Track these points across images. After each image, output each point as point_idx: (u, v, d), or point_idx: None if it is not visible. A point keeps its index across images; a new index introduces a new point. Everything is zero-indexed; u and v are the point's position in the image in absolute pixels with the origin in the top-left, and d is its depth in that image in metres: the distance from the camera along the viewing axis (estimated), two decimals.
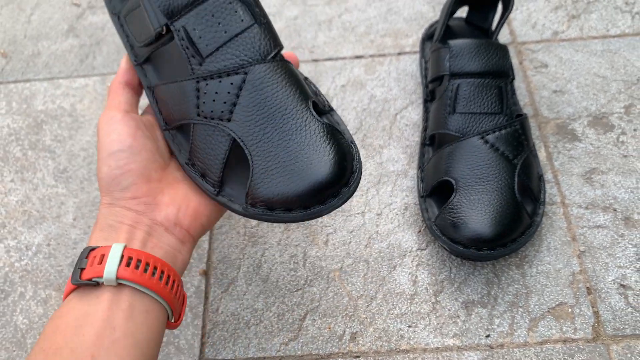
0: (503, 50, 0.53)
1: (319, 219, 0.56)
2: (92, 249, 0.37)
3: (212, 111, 0.38)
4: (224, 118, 0.38)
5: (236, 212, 0.39)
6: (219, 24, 0.39)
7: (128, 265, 0.36)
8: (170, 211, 0.40)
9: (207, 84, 0.39)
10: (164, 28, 0.40)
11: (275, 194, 0.36)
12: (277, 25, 0.70)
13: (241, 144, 0.38)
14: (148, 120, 0.44)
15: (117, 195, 0.39)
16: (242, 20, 0.40)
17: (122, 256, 0.36)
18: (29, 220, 0.58)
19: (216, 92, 0.38)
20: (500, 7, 0.59)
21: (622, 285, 0.50)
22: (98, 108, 0.65)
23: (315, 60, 0.67)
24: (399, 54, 0.66)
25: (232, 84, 0.38)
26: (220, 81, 0.38)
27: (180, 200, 0.41)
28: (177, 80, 0.40)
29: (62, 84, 0.68)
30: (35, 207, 0.59)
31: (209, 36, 0.39)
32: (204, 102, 0.39)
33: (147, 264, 0.36)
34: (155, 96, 0.43)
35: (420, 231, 0.54)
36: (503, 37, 0.66)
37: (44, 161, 0.62)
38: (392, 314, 0.50)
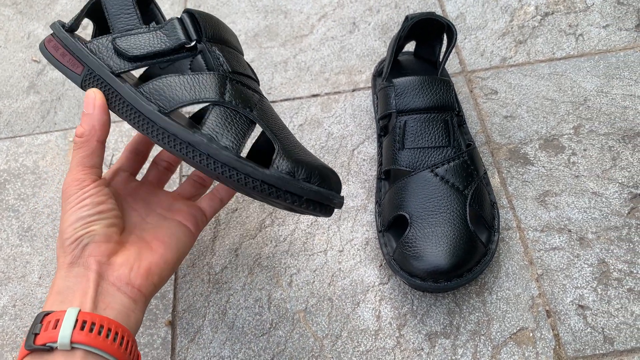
0: (446, 84, 0.54)
1: (282, 260, 0.56)
2: (47, 313, 0.38)
3: (234, 103, 0.41)
4: (246, 110, 0.42)
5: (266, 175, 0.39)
6: (239, 63, 0.46)
7: (82, 328, 0.36)
8: (123, 271, 0.41)
9: (236, 83, 0.43)
10: (193, 43, 0.45)
11: (301, 162, 0.39)
12: None
13: (264, 127, 0.41)
14: (114, 190, 0.46)
15: (76, 252, 0.40)
16: (252, 71, 0.47)
17: (77, 320, 0.36)
18: None
19: (242, 94, 0.42)
20: (445, 39, 0.61)
21: (581, 306, 0.51)
22: (61, 164, 0.66)
23: (273, 102, 0.68)
24: (354, 90, 0.68)
25: (252, 95, 0.43)
26: (243, 88, 0.43)
27: (132, 260, 0.42)
28: (201, 73, 0.42)
29: (24, 141, 0.69)
30: (0, 268, 0.59)
31: (234, 63, 0.45)
32: (230, 93, 0.42)
33: (102, 326, 0.37)
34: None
35: (381, 265, 0.55)
36: (453, 66, 0.68)
37: (7, 221, 0.62)
38: (358, 351, 0.51)
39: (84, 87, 0.44)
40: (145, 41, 0.44)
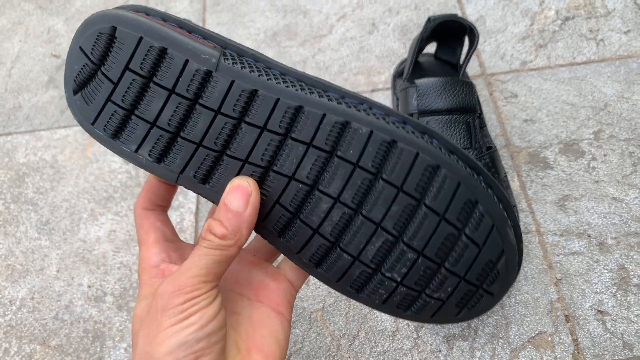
0: (469, 86, 0.54)
1: None
2: None
3: None
4: None
5: None
6: None
7: None
8: None
9: None
10: None
11: None
12: None
13: None
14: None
15: None
16: None
17: None
18: (13, 274, 0.59)
19: None
20: (467, 42, 0.61)
21: (600, 311, 0.51)
22: (79, 158, 0.66)
23: None
24: (372, 90, 0.68)
25: None
26: None
27: None
28: None
29: (43, 135, 0.69)
30: (18, 260, 0.60)
31: None
32: None
33: None
34: None
35: None
36: (473, 69, 0.68)
37: (26, 214, 0.63)
38: (375, 352, 0.51)
39: (219, 66, 0.32)
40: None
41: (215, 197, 0.33)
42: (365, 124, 0.31)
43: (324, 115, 0.31)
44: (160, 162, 0.33)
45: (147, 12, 0.33)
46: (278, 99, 0.31)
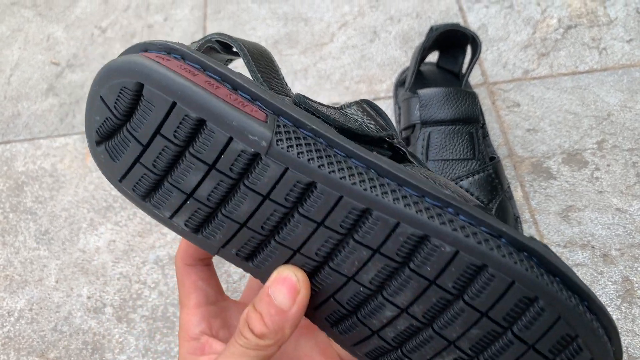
0: (472, 96, 0.54)
1: None
2: None
3: None
4: None
5: None
6: None
7: None
8: None
9: None
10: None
11: None
12: None
13: None
14: None
15: None
16: None
17: None
18: (11, 285, 0.58)
19: None
20: (469, 51, 0.61)
21: None
22: (79, 167, 0.66)
23: None
24: (374, 99, 0.67)
25: None
26: None
27: None
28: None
29: (42, 144, 0.68)
30: (17, 271, 0.59)
31: None
32: None
33: None
34: None
35: None
36: (475, 78, 0.68)
37: (25, 223, 0.62)
38: None
39: (270, 151, 0.26)
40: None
41: (261, 277, 0.29)
42: (449, 241, 0.25)
43: (398, 224, 0.26)
44: (198, 234, 0.29)
45: (183, 55, 0.28)
46: (341, 197, 0.26)
